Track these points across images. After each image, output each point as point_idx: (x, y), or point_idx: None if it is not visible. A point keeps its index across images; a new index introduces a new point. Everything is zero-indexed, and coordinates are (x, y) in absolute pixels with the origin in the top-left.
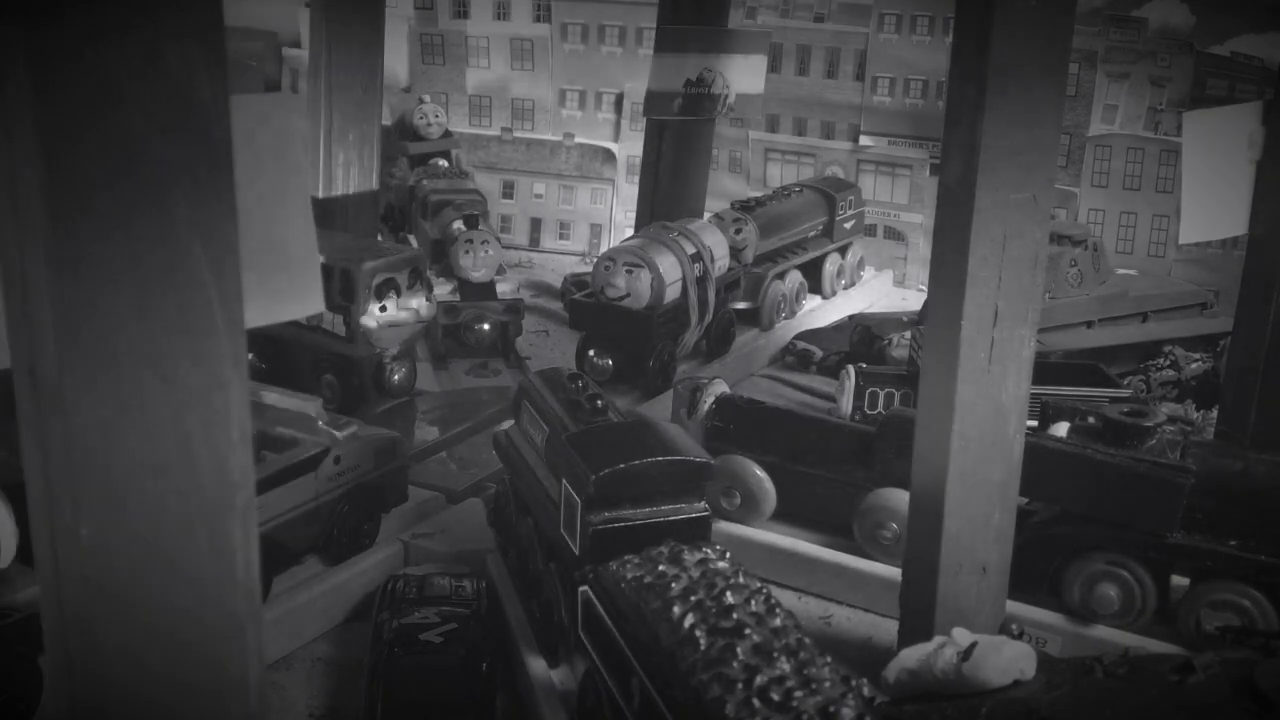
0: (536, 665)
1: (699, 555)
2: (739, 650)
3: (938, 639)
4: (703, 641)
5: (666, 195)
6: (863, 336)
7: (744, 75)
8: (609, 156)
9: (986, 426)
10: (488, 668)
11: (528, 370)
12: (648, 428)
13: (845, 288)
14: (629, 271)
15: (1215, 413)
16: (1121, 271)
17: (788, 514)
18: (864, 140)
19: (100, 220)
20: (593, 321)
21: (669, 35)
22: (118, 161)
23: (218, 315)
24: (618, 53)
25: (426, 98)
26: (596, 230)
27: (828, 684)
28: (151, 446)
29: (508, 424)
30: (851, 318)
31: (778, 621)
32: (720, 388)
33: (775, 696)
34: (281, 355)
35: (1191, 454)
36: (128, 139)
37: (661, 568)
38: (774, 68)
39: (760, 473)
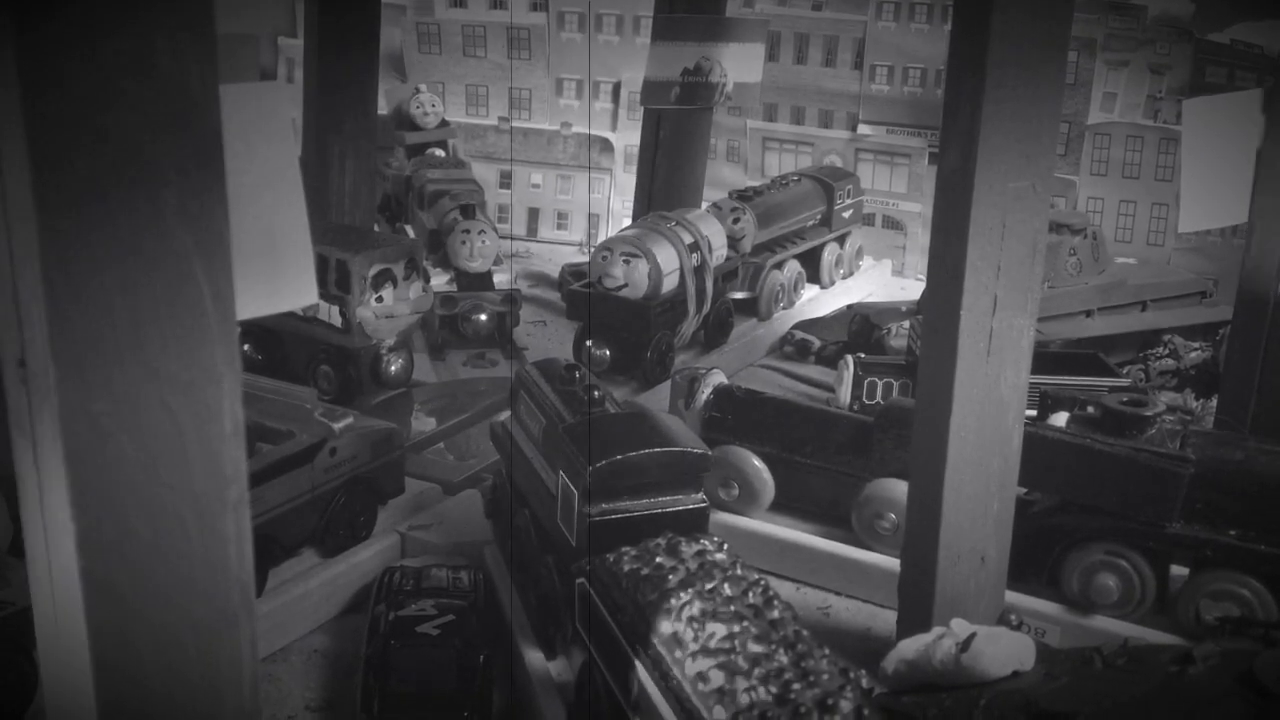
0: (534, 657)
1: (696, 547)
2: (736, 642)
3: (936, 630)
4: (700, 634)
5: (664, 185)
6: (861, 326)
7: (742, 64)
8: (606, 146)
9: (985, 416)
10: (485, 660)
11: (525, 361)
12: (645, 419)
13: (844, 277)
14: (626, 261)
15: (1215, 402)
16: (1121, 260)
17: (786, 505)
18: (862, 129)
19: (90, 212)
20: (590, 312)
21: (666, 24)
22: (107, 152)
23: (209, 307)
24: (615, 41)
25: (423, 87)
26: (594, 220)
27: (826, 676)
28: (143, 440)
29: (505, 415)
30: (850, 307)
31: (776, 613)
32: (718, 378)
33: (773, 689)
34: (278, 347)
35: (1191, 443)
36: (117, 130)
37: (659, 559)
38: (772, 56)
39: (758, 463)
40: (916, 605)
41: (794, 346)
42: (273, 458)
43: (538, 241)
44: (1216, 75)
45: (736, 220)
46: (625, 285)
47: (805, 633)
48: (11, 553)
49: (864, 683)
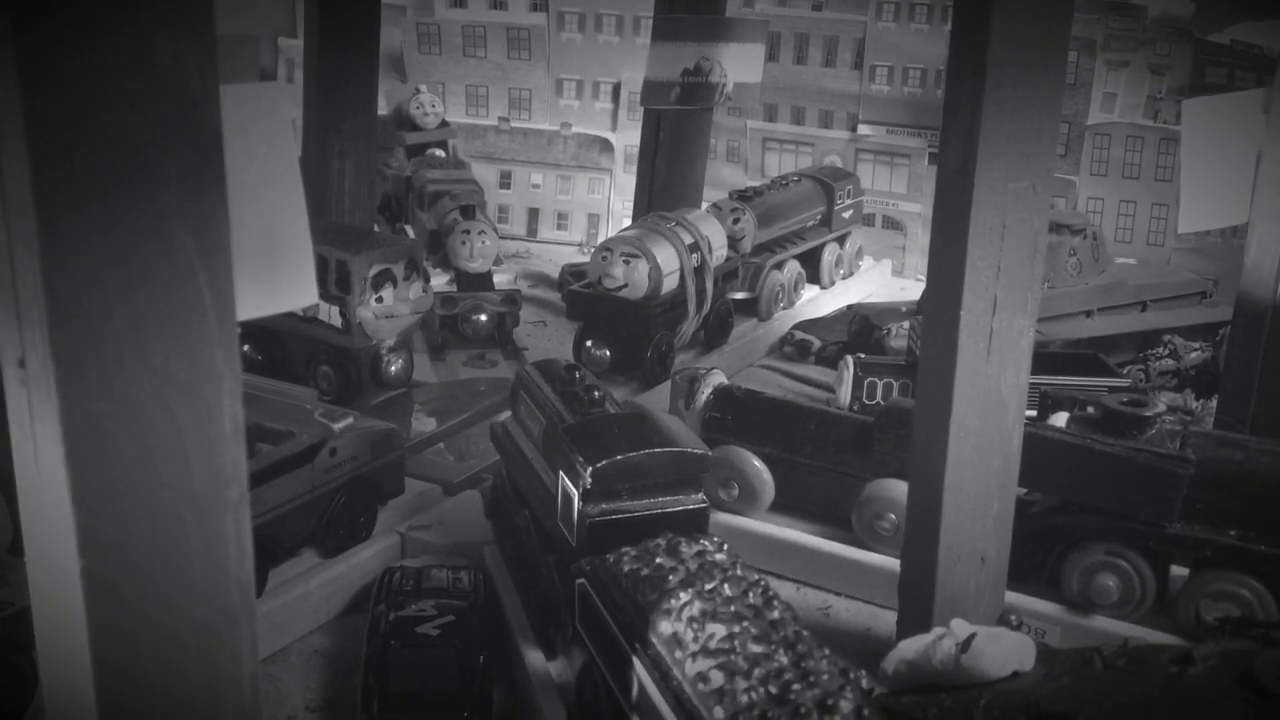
0: (534, 657)
1: (697, 547)
2: (736, 643)
3: (936, 630)
4: (700, 634)
5: (664, 185)
6: (861, 326)
7: (742, 64)
8: (606, 146)
9: (985, 416)
10: (484, 660)
11: (525, 361)
12: (645, 419)
13: (844, 277)
14: (626, 262)
15: (1215, 402)
16: (1121, 260)
17: (786, 505)
18: (862, 129)
19: (90, 212)
20: (590, 312)
21: (666, 24)
22: (107, 153)
23: (209, 307)
24: (615, 41)
25: (423, 87)
26: (594, 220)
27: (826, 676)
28: (143, 440)
29: (505, 415)
30: (850, 307)
31: (776, 614)
32: (718, 378)
33: (773, 689)
34: (278, 347)
35: (1191, 444)
36: (117, 130)
37: (659, 560)
38: (772, 56)
39: (758, 464)
40: (916, 605)
41: (794, 347)
42: (273, 458)
43: (538, 242)
44: (1216, 75)
45: (736, 220)
46: (625, 285)
47: (805, 633)
48: (11, 553)
49: (864, 683)
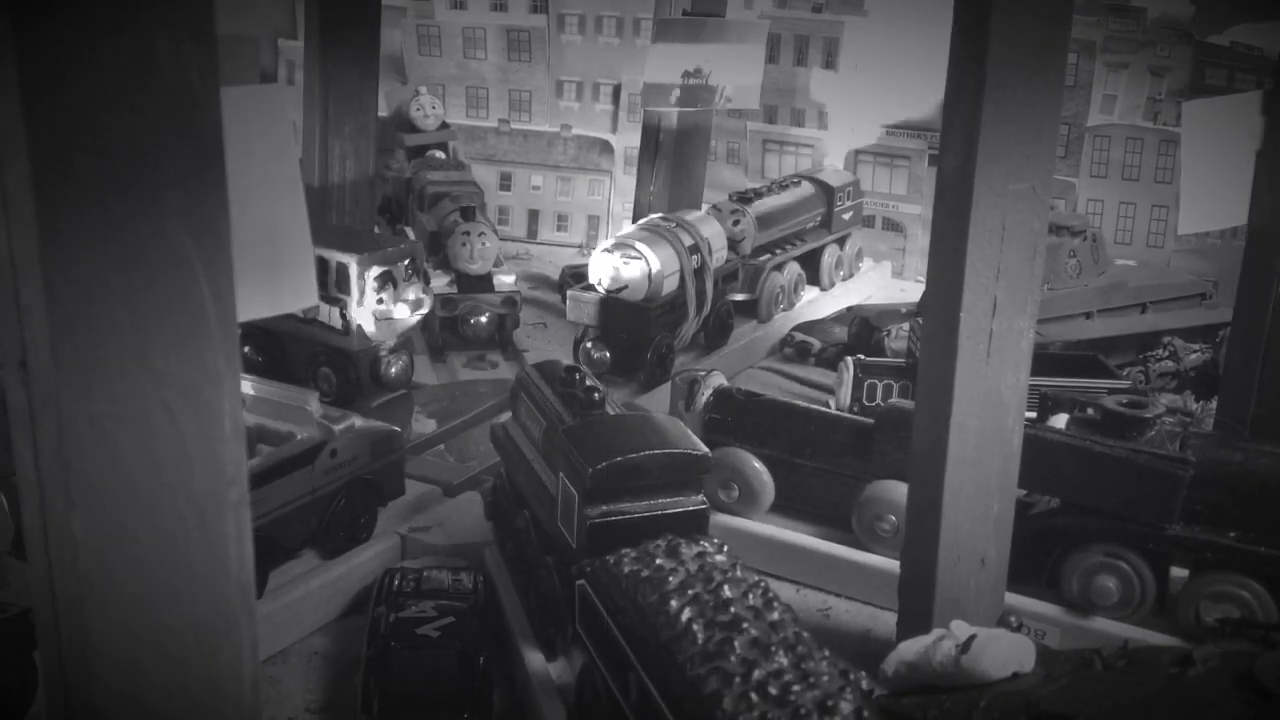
0: (534, 659)
1: (696, 549)
2: (736, 644)
3: (936, 631)
4: (700, 635)
5: (664, 187)
6: (861, 328)
7: (742, 66)
8: (606, 148)
9: (985, 418)
10: (485, 661)
11: (525, 363)
12: (645, 421)
13: (843, 279)
14: (626, 263)
15: (1214, 404)
16: (1120, 262)
17: (786, 506)
18: None
19: (91, 214)
20: (590, 314)
21: (666, 26)
22: (108, 155)
23: (209, 309)
24: (615, 43)
25: (423, 89)
26: (594, 222)
27: (826, 678)
28: (143, 441)
29: (505, 417)
30: (850, 309)
31: (775, 615)
32: (718, 380)
33: (773, 690)
34: (278, 348)
35: (1191, 445)
36: (117, 132)
37: (659, 561)
38: (771, 58)
39: (758, 465)
40: (916, 607)
41: (794, 348)
42: (273, 459)
43: (538, 243)
44: (1216, 77)
45: (736, 222)
46: (625, 287)
47: (805, 634)
48: (11, 553)
49: (864, 684)
